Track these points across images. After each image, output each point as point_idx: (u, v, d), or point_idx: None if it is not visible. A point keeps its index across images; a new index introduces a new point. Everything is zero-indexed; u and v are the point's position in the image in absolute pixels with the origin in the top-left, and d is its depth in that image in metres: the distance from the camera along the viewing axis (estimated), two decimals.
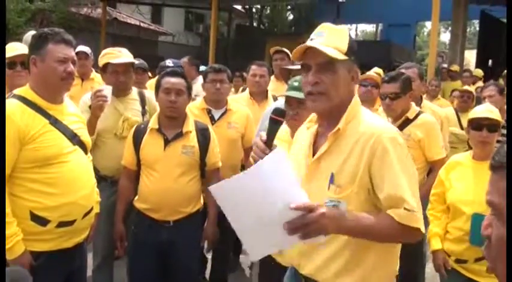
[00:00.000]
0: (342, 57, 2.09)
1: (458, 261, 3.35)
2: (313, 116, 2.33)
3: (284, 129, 3.12)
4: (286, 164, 1.81)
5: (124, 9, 24.18)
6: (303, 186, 1.96)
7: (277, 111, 2.17)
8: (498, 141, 3.48)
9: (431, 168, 4.25)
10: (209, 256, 4.77)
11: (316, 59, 2.09)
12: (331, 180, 2.10)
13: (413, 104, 4.33)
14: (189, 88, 3.72)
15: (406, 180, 2.03)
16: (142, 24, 24.10)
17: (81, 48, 6.23)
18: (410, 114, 4.18)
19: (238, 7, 27.47)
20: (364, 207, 2.07)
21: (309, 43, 2.11)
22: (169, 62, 6.11)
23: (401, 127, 4.13)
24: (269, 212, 1.76)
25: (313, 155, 2.21)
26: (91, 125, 3.87)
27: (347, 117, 2.15)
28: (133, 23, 23.56)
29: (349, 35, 2.18)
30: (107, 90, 3.87)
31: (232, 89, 6.99)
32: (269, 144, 2.07)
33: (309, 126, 2.33)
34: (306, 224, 1.76)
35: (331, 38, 2.12)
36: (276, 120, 2.14)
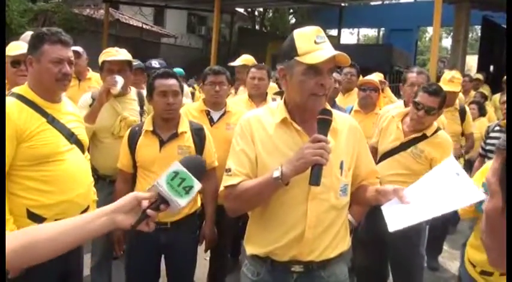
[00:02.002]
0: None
1: (483, 273, 3.09)
2: (283, 114, 2.37)
3: None
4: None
5: (126, 10, 24.23)
6: None
7: (323, 111, 2.23)
8: None
9: None
10: (207, 257, 4.77)
11: (330, 63, 2.21)
12: (342, 167, 2.38)
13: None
14: (182, 88, 3.71)
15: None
16: (144, 26, 24.12)
17: (73, 47, 6.17)
18: (428, 132, 4.02)
19: (241, 10, 27.53)
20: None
21: (334, 51, 2.21)
22: (155, 63, 6.02)
23: (415, 141, 4.02)
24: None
25: None
26: (93, 113, 3.89)
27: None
28: (135, 25, 23.57)
29: None
30: (119, 79, 3.95)
31: (232, 91, 7.01)
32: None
33: (289, 122, 2.36)
34: None
35: (330, 44, 2.27)
36: (325, 120, 2.21)
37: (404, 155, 4.01)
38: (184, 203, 1.74)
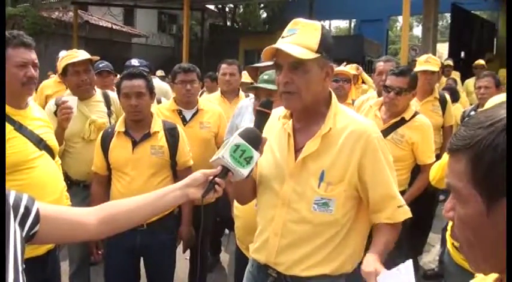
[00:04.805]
0: (311, 56, 2.04)
1: None
2: (286, 111, 2.29)
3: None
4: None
5: (95, 12, 24.00)
6: (287, 186, 2.16)
7: (264, 104, 2.12)
8: None
9: (421, 170, 4.15)
10: (187, 257, 4.74)
11: (287, 58, 2.05)
12: (322, 178, 2.13)
13: (411, 104, 4.19)
14: (151, 87, 3.63)
15: (392, 177, 2.22)
16: (114, 27, 23.94)
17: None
18: (406, 115, 4.07)
19: (211, 7, 27.40)
20: (347, 203, 2.17)
21: (277, 45, 2.08)
22: (134, 62, 5.90)
23: (395, 126, 4.06)
24: None
25: (295, 152, 2.20)
26: (58, 136, 3.80)
27: (333, 115, 2.18)
28: (105, 26, 23.38)
29: (322, 31, 2.11)
30: (72, 102, 3.77)
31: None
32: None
33: (284, 122, 2.28)
34: None
35: (301, 36, 2.07)
36: (263, 113, 2.09)
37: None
38: (246, 172, 1.92)
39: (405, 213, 2.23)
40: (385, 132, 4.00)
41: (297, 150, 2.20)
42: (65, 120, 3.71)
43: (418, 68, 5.41)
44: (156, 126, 3.63)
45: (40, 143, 2.96)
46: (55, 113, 3.93)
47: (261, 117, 2.09)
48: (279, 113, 2.31)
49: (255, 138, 1.98)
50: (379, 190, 2.15)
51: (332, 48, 2.15)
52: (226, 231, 5.43)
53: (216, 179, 1.87)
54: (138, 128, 3.59)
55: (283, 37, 2.12)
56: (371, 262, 1.95)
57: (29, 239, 1.56)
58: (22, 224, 1.54)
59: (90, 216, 1.73)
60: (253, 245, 2.39)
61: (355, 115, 2.31)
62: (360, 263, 2.20)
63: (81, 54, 4.21)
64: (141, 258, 3.75)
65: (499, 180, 0.92)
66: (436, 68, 5.51)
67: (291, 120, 2.26)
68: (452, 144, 1.02)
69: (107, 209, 1.82)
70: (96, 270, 4.55)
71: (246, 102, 4.25)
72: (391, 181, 2.19)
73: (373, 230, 2.27)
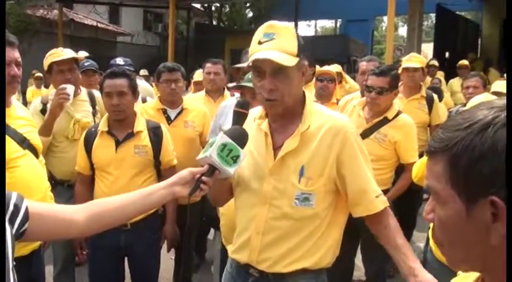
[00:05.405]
0: (295, 61, 2.08)
1: None
2: (262, 111, 2.32)
3: None
4: None
5: (81, 9, 23.84)
6: (268, 184, 2.20)
7: (240, 104, 2.17)
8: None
9: (404, 169, 4.17)
10: (172, 257, 4.73)
11: (270, 64, 2.07)
12: (302, 173, 2.18)
13: (394, 103, 4.23)
14: (133, 86, 3.61)
15: (369, 170, 2.27)
16: (100, 25, 23.79)
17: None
18: (389, 115, 4.11)
19: (197, 5, 27.31)
20: (327, 198, 2.23)
21: (263, 55, 2.08)
22: (119, 60, 5.85)
23: (378, 125, 4.09)
24: None
25: (274, 150, 2.23)
26: (47, 126, 3.78)
27: (309, 113, 2.23)
28: (90, 24, 23.24)
29: (296, 33, 2.16)
30: (70, 89, 3.81)
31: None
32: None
33: (260, 123, 2.30)
34: None
35: (281, 41, 2.09)
36: (240, 113, 2.14)
37: (368, 142, 3.99)
38: (233, 171, 1.96)
39: (383, 202, 2.27)
40: (368, 132, 4.07)
41: (275, 149, 2.24)
42: (60, 106, 3.72)
43: (401, 66, 5.51)
44: (140, 125, 3.62)
45: (23, 142, 2.94)
46: (41, 111, 3.92)
47: (239, 118, 2.14)
48: (254, 113, 2.34)
49: (241, 138, 2.01)
50: (356, 183, 2.22)
51: (306, 48, 2.19)
52: (212, 230, 5.42)
53: (203, 177, 1.89)
54: (121, 127, 3.57)
55: (260, 43, 2.12)
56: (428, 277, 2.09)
57: (18, 236, 1.57)
58: (12, 222, 1.55)
59: (77, 214, 1.75)
60: (233, 246, 2.40)
61: (330, 112, 2.37)
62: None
63: (66, 53, 4.19)
64: (126, 258, 3.74)
65: (476, 181, 0.92)
66: (418, 65, 5.57)
67: (267, 120, 2.29)
68: (431, 146, 1.02)
69: (94, 207, 1.84)
70: (81, 271, 4.53)
71: (230, 102, 4.25)
72: (367, 174, 2.25)
73: (381, 240, 2.33)
